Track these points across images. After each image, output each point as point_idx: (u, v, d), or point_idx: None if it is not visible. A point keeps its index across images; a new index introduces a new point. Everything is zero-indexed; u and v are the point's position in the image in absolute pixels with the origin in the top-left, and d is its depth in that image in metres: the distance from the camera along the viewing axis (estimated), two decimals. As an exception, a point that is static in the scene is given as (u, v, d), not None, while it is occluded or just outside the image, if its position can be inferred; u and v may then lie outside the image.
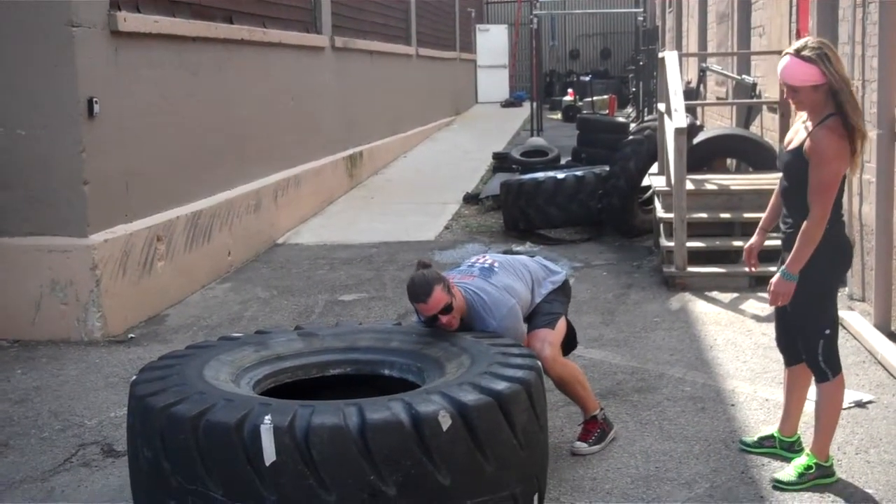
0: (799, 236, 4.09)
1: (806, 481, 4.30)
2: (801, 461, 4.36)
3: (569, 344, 5.06)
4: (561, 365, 4.75)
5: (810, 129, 4.11)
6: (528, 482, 3.78)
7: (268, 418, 3.36)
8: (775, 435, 4.65)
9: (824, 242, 4.10)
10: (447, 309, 4.43)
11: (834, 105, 4.04)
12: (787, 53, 4.11)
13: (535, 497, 3.88)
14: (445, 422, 3.43)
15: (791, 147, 4.22)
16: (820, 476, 4.32)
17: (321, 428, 3.33)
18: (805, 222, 4.07)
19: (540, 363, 4.19)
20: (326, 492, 3.33)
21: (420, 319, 4.67)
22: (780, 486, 4.32)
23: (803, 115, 4.25)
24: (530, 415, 3.77)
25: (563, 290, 5.03)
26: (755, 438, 4.73)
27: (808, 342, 4.29)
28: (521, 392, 3.72)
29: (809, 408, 4.57)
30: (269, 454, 3.32)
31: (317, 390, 4.27)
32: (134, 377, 3.92)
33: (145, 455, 3.58)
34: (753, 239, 4.57)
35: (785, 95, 4.20)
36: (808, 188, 4.07)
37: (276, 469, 3.32)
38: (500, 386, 3.67)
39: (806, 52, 4.03)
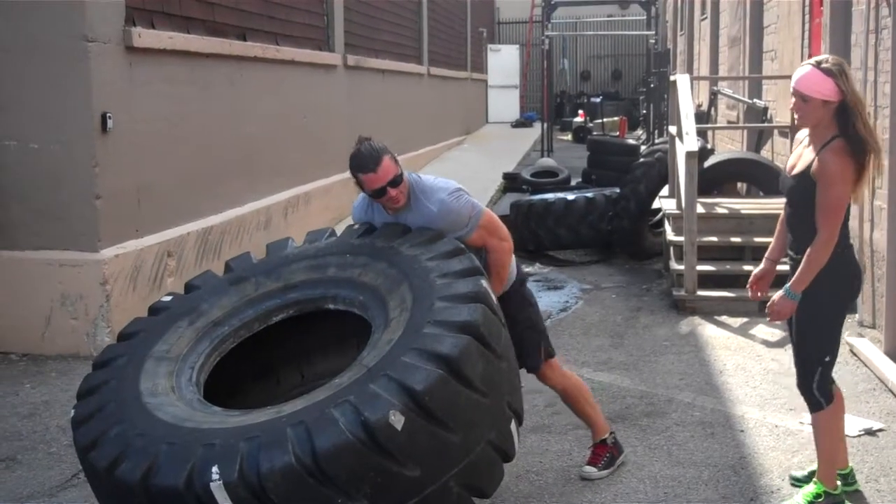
0: (805, 257, 4.03)
1: None
2: (810, 489, 4.30)
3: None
4: (560, 375, 4.66)
5: (814, 151, 4.06)
6: (499, 422, 3.65)
7: (216, 472, 3.17)
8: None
9: (833, 268, 4.05)
10: (396, 181, 4.14)
11: (838, 127, 3.99)
12: (807, 64, 4.06)
13: (513, 423, 3.75)
14: (398, 422, 3.24)
15: (796, 171, 4.15)
16: None
17: (271, 472, 3.14)
18: (812, 244, 4.01)
19: (486, 285, 3.85)
20: None
21: (362, 202, 4.40)
22: None
23: (802, 138, 4.21)
24: (486, 358, 3.55)
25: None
26: (806, 472, 4.57)
27: (805, 367, 4.23)
28: (471, 344, 3.47)
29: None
30: None
31: (262, 338, 4.10)
32: (73, 408, 3.74)
33: None
34: (762, 266, 4.45)
35: (792, 107, 4.15)
36: (816, 211, 4.01)
37: None
38: (447, 347, 3.41)
39: (826, 65, 3.98)
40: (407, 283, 3.81)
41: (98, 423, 3.53)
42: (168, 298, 4.26)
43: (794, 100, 4.06)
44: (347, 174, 4.37)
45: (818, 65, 3.99)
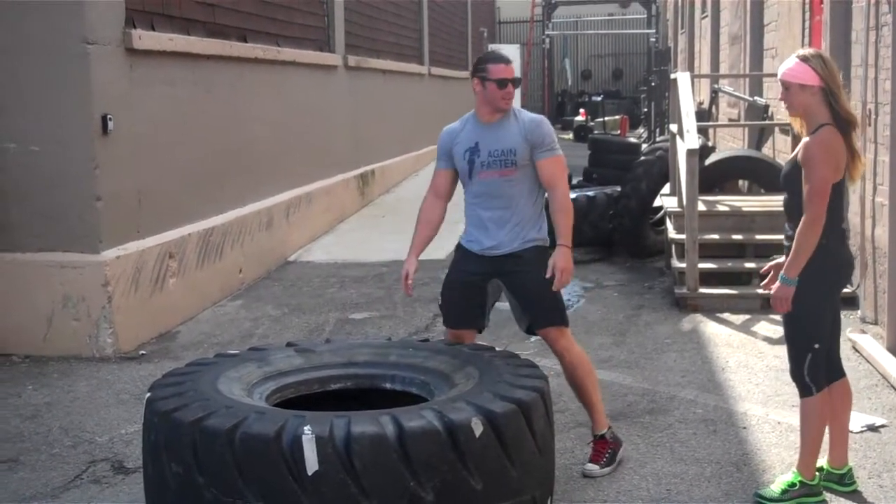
0: (794, 242, 4.14)
1: (789, 499, 4.27)
2: (786, 478, 4.33)
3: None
4: (572, 344, 4.82)
5: (805, 139, 4.21)
6: (544, 486, 3.91)
7: (308, 428, 3.40)
8: (824, 467, 4.47)
9: (823, 255, 4.14)
10: (517, 82, 4.84)
11: (829, 115, 4.13)
12: (791, 58, 4.26)
13: (549, 500, 3.98)
14: (478, 428, 3.52)
15: (789, 159, 4.37)
16: (804, 494, 4.28)
17: (362, 437, 3.39)
18: (799, 227, 4.11)
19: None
20: (367, 499, 3.39)
21: (451, 127, 5.03)
22: (761, 500, 4.32)
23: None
24: (546, 421, 3.89)
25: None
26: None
27: (796, 354, 4.29)
28: (539, 400, 3.84)
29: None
30: (312, 464, 3.37)
31: (318, 406, 4.25)
32: (148, 394, 3.93)
33: (173, 470, 3.58)
34: (779, 260, 4.43)
35: (780, 97, 4.35)
36: (803, 194, 4.13)
37: (318, 478, 3.37)
38: (520, 394, 3.77)
39: (802, 54, 4.22)
40: (472, 365, 4.17)
41: (181, 398, 3.75)
42: (236, 351, 4.64)
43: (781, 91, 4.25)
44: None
45: (799, 56, 4.22)
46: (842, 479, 4.44)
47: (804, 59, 4.17)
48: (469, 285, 4.83)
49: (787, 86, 4.20)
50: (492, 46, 28.16)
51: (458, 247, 4.95)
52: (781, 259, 4.39)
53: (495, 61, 4.81)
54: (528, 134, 4.78)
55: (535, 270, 4.68)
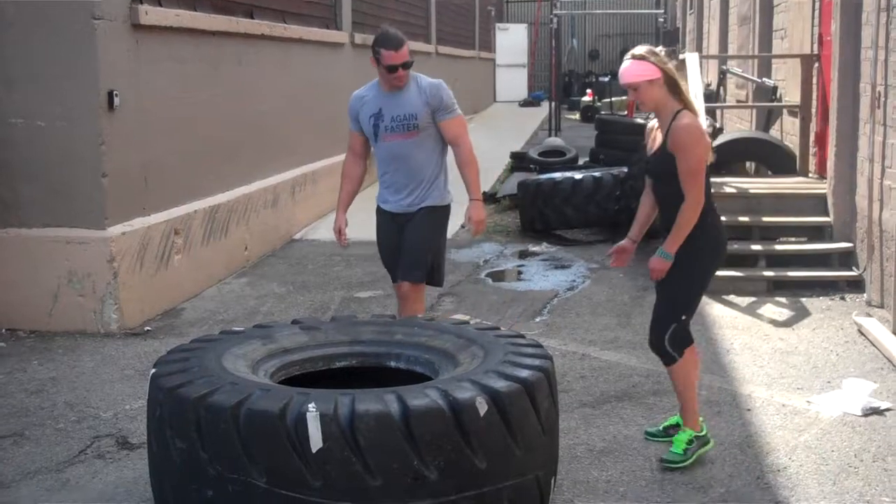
0: (677, 219, 4.39)
1: (690, 455, 4.52)
2: (681, 437, 4.57)
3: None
4: (419, 303, 5.38)
5: (663, 130, 4.44)
6: (549, 466, 3.92)
7: (312, 405, 3.40)
8: (679, 423, 4.74)
9: (700, 232, 4.41)
10: (408, 64, 5.14)
11: (679, 101, 4.41)
12: (625, 61, 4.47)
13: (553, 480, 3.99)
14: (482, 407, 3.53)
15: (655, 152, 4.54)
16: (700, 446, 4.58)
17: (366, 415, 3.40)
18: (682, 207, 4.36)
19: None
20: (372, 477, 3.39)
21: (359, 92, 5.38)
22: (669, 465, 4.50)
23: (653, 127, 4.58)
24: (550, 402, 3.90)
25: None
26: (660, 427, 4.87)
27: (659, 323, 4.57)
28: (543, 379, 3.84)
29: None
30: (316, 441, 3.37)
31: (322, 384, 4.27)
32: (153, 370, 3.93)
33: (177, 446, 3.59)
34: (623, 242, 4.77)
35: (629, 98, 4.68)
36: (679, 178, 4.36)
37: (322, 456, 3.38)
38: (525, 374, 3.78)
39: (636, 53, 4.44)
40: (477, 345, 4.17)
41: (186, 374, 3.77)
42: (241, 328, 4.62)
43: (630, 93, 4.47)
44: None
45: (631, 57, 4.45)
46: (667, 432, 4.81)
47: (640, 57, 4.40)
48: (393, 242, 5.41)
49: (635, 86, 4.40)
50: (499, 26, 28.12)
51: (377, 209, 5.50)
52: (625, 243, 4.74)
53: (387, 46, 5.12)
54: (429, 98, 5.24)
55: (418, 227, 5.23)
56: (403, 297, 5.41)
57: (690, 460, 4.52)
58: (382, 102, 5.31)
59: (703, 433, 4.63)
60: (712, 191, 4.53)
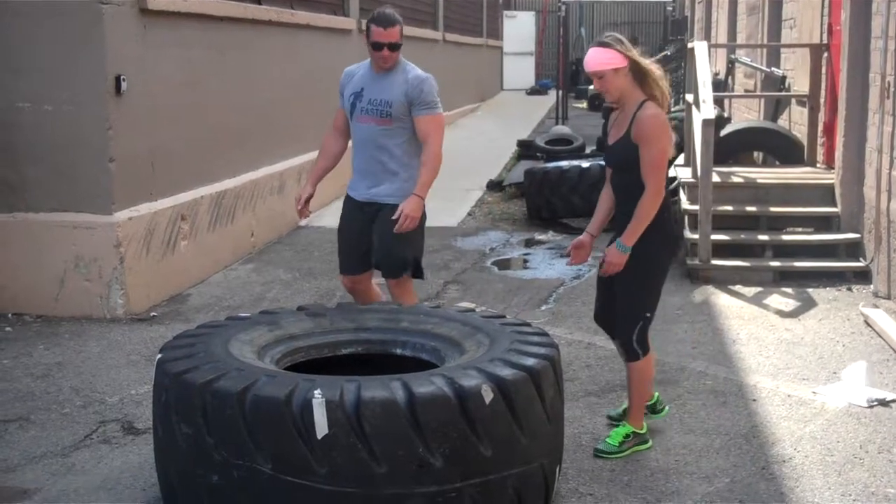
0: (636, 211, 4.34)
1: (625, 448, 4.53)
2: (620, 431, 4.57)
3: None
4: (408, 294, 5.25)
5: (627, 119, 4.38)
6: (553, 455, 3.93)
7: (318, 392, 3.41)
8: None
9: (655, 226, 4.37)
10: (395, 46, 5.10)
11: (644, 92, 4.36)
12: (590, 49, 4.41)
13: (557, 469, 4.00)
14: (488, 395, 3.53)
15: (616, 140, 4.47)
16: (638, 443, 4.58)
17: (372, 402, 3.40)
18: (641, 198, 4.32)
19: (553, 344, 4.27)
20: (377, 464, 3.40)
21: (352, 67, 5.31)
22: (601, 454, 4.52)
23: (614, 117, 4.53)
24: (556, 390, 3.91)
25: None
26: (620, 410, 4.89)
27: (625, 322, 4.52)
28: (549, 368, 3.85)
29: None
30: (322, 428, 3.38)
31: (329, 370, 4.28)
32: (159, 355, 3.93)
33: (183, 431, 3.60)
34: (581, 237, 4.73)
35: (594, 86, 4.59)
36: (641, 169, 4.32)
37: (328, 442, 3.38)
38: (531, 362, 3.78)
39: (602, 41, 4.39)
40: (483, 333, 4.17)
41: (192, 360, 3.77)
42: (247, 314, 4.63)
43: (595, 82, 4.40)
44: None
45: (597, 44, 4.39)
46: (654, 408, 4.84)
47: (606, 45, 4.34)
48: (353, 231, 5.27)
49: (601, 74, 4.33)
50: (507, 13, 28.05)
51: (345, 196, 5.39)
52: (583, 237, 4.70)
53: (377, 23, 5.08)
54: (409, 90, 5.12)
55: (391, 224, 5.02)
56: (352, 291, 5.39)
57: (625, 454, 4.53)
58: (367, 83, 5.24)
59: (644, 431, 4.63)
60: (672, 183, 4.52)
